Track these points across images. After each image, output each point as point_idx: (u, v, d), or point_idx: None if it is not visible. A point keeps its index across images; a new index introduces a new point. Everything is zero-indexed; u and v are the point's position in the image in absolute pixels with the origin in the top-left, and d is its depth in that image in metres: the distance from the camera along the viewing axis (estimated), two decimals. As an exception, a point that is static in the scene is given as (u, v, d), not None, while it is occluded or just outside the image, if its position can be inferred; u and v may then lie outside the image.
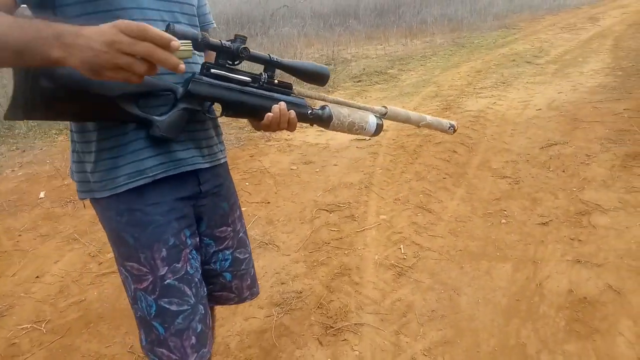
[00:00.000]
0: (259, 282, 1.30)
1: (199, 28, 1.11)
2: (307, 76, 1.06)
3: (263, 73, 1.04)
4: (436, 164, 3.44)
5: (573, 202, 2.74)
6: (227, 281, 1.25)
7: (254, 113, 1.04)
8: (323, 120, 1.09)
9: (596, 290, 2.03)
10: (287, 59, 1.04)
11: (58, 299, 2.33)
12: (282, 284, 2.30)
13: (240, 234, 1.28)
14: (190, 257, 1.07)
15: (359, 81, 6.33)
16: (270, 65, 1.02)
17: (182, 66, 0.76)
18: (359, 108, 1.14)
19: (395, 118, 1.19)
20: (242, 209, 3.01)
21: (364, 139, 4.10)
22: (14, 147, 4.65)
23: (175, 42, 0.74)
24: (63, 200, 3.32)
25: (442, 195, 3.01)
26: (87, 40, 0.70)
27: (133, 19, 0.76)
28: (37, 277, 2.52)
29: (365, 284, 2.24)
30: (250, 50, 0.98)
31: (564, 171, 3.13)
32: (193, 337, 1.05)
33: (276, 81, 1.06)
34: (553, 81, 5.36)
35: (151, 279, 1.01)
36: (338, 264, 2.42)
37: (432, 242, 2.53)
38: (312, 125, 1.11)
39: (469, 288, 2.15)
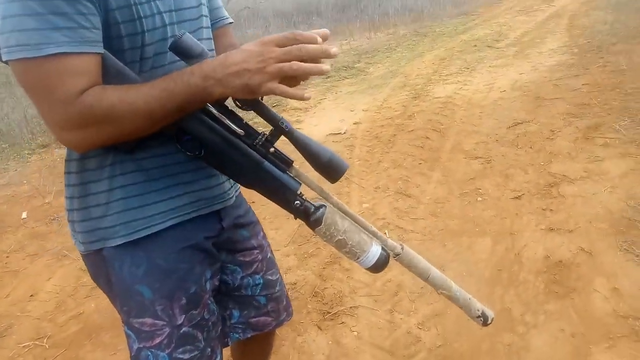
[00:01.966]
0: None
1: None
2: (318, 163, 0.85)
3: (264, 133, 0.87)
4: (411, 151, 3.57)
5: (542, 176, 2.90)
6: (262, 304, 1.18)
7: (232, 172, 0.90)
8: (308, 220, 0.89)
9: (570, 253, 2.18)
10: (301, 133, 0.85)
11: (56, 315, 2.36)
12: (276, 277, 2.38)
13: (269, 255, 1.21)
14: (209, 301, 1.02)
15: (328, 77, 6.42)
16: (277, 129, 0.84)
17: (335, 50, 0.77)
18: (366, 230, 0.92)
19: (408, 265, 0.95)
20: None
21: (339, 133, 4.20)
22: (-13, 171, 4.60)
23: (319, 38, 0.77)
24: (47, 219, 3.33)
25: (420, 180, 3.14)
26: (239, 66, 0.74)
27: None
28: (32, 295, 2.54)
29: (355, 270, 2.34)
30: (258, 101, 0.82)
31: (531, 147, 3.29)
32: None
33: (273, 149, 0.88)
34: (514, 63, 5.56)
35: (168, 331, 0.93)
36: (327, 253, 2.51)
37: (415, 225, 2.65)
38: (295, 218, 0.92)
39: (453, 263, 2.28)
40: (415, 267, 0.95)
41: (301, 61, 0.75)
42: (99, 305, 2.38)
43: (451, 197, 2.87)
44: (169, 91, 0.75)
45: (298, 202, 0.89)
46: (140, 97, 0.75)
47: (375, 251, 0.90)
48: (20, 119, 5.63)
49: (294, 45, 0.75)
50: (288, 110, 5.16)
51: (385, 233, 2.61)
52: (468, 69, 5.66)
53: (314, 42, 0.76)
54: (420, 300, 2.08)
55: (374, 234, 0.93)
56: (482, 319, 1.00)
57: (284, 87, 0.76)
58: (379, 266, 0.91)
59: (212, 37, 1.02)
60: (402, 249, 0.94)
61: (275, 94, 0.76)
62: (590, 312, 1.84)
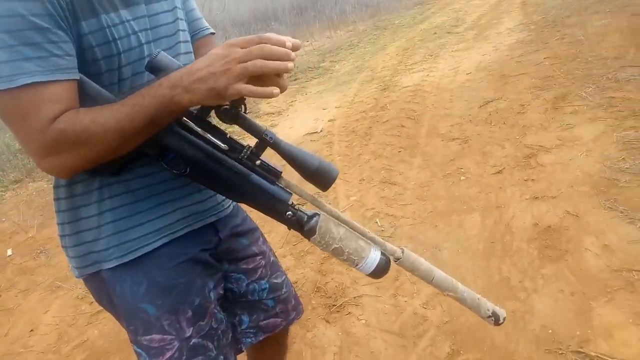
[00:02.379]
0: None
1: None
2: (306, 171, 0.84)
3: (249, 146, 0.86)
4: (389, 141, 3.63)
5: (519, 149, 2.99)
6: (270, 307, 1.19)
7: (220, 187, 0.89)
8: (303, 230, 0.89)
9: (557, 218, 2.26)
10: (286, 143, 0.85)
11: (60, 346, 2.33)
12: (276, 279, 2.40)
13: (272, 259, 1.22)
14: (216, 310, 1.02)
15: (296, 79, 6.46)
16: (262, 141, 0.83)
17: (294, 54, 0.75)
18: (363, 236, 0.91)
19: (411, 269, 0.93)
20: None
21: (315, 132, 4.24)
22: (-38, 214, 4.47)
23: (288, 43, 0.75)
24: (33, 253, 3.26)
25: (402, 167, 3.19)
26: (205, 71, 0.73)
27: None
28: (31, 330, 2.50)
29: (353, 261, 2.38)
30: (240, 113, 0.81)
31: (504, 123, 3.39)
32: None
33: (259, 162, 0.87)
34: (475, 45, 5.69)
35: (177, 345, 0.94)
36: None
37: (404, 210, 2.70)
38: (289, 229, 0.91)
39: (447, 242, 2.34)
40: (418, 269, 0.93)
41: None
42: (101, 330, 2.36)
43: (435, 179, 2.93)
44: (138, 106, 0.75)
45: (290, 212, 0.88)
46: (112, 115, 0.75)
47: (374, 257, 0.89)
48: (-12, 157, 5.50)
49: (256, 45, 0.74)
50: (261, 116, 5.17)
51: (376, 222, 2.67)
52: (432, 56, 5.77)
53: (281, 43, 0.75)
54: (421, 281, 2.11)
55: (373, 240, 0.91)
56: (493, 318, 0.97)
57: (250, 87, 0.74)
58: (379, 272, 0.90)
59: (191, 50, 1.03)
60: (403, 252, 0.92)
61: (243, 94, 0.75)
62: (585, 271, 1.92)
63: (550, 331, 1.73)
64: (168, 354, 0.94)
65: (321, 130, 4.24)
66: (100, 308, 2.51)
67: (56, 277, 2.90)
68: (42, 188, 4.47)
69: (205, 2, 13.48)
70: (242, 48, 0.74)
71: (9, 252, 3.36)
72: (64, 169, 0.78)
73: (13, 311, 2.68)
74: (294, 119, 4.81)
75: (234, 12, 12.94)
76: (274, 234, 2.80)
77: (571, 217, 2.23)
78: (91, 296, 2.69)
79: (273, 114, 5.18)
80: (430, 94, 4.41)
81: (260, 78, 0.76)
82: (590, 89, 3.42)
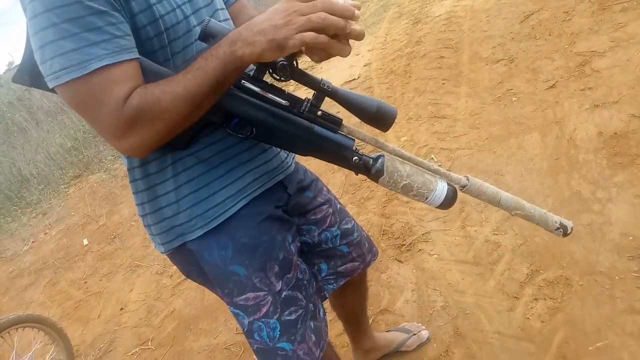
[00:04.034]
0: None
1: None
2: (366, 115, 0.84)
3: (308, 99, 0.87)
4: (430, 75, 3.52)
5: (570, 58, 2.84)
6: (346, 253, 1.24)
7: (286, 143, 0.91)
8: (370, 173, 0.90)
9: (622, 123, 2.15)
10: (343, 90, 0.85)
11: (150, 319, 2.49)
12: (341, 228, 2.44)
13: (338, 206, 1.25)
14: (299, 262, 1.06)
15: (322, 30, 6.33)
16: (320, 92, 0.84)
17: (358, 12, 0.74)
18: (428, 169, 0.92)
19: (477, 194, 0.94)
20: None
21: (353, 79, 4.17)
22: (34, 214, 4.76)
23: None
24: (107, 239, 3.45)
25: (449, 99, 3.11)
26: (265, 24, 0.72)
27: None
28: (121, 309, 2.67)
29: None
30: (296, 68, 0.81)
31: (550, 34, 3.21)
32: (312, 335, 1.05)
33: (320, 112, 0.87)
34: (504, -42, 5.35)
35: (270, 299, 0.98)
36: (382, 193, 2.55)
37: (459, 142, 2.65)
38: (356, 174, 0.93)
39: (509, 166, 2.28)
40: (484, 194, 0.94)
41: None
42: (185, 299, 2.49)
43: (485, 105, 2.84)
44: (202, 69, 0.75)
45: (356, 157, 0.89)
46: (179, 83, 0.76)
47: (442, 188, 0.89)
48: (45, 158, 5.77)
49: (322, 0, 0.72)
50: (295, 73, 5.12)
51: (432, 158, 2.63)
52: (459, -21, 5.48)
53: None
54: (487, 209, 2.10)
55: (437, 172, 0.92)
56: (561, 230, 0.98)
57: (316, 34, 0.72)
58: (448, 202, 0.91)
59: (229, 17, 1.03)
60: (468, 179, 0.93)
61: (307, 43, 0.72)
62: (661, 171, 1.84)
63: (630, 238, 1.69)
64: (264, 309, 0.98)
65: (358, 77, 4.17)
66: (181, 279, 2.65)
67: (134, 258, 3.06)
68: (101, 179, 4.67)
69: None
70: (302, 1, 0.73)
71: (85, 241, 3.57)
72: (142, 147, 0.79)
73: (101, 294, 2.87)
74: (328, 70, 4.74)
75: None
76: (330, 186, 2.81)
77: (637, 120, 2.12)
78: (169, 270, 2.82)
79: (306, 69, 5.11)
80: (465, 19, 4.21)
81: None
82: (640, -20, 3.17)
